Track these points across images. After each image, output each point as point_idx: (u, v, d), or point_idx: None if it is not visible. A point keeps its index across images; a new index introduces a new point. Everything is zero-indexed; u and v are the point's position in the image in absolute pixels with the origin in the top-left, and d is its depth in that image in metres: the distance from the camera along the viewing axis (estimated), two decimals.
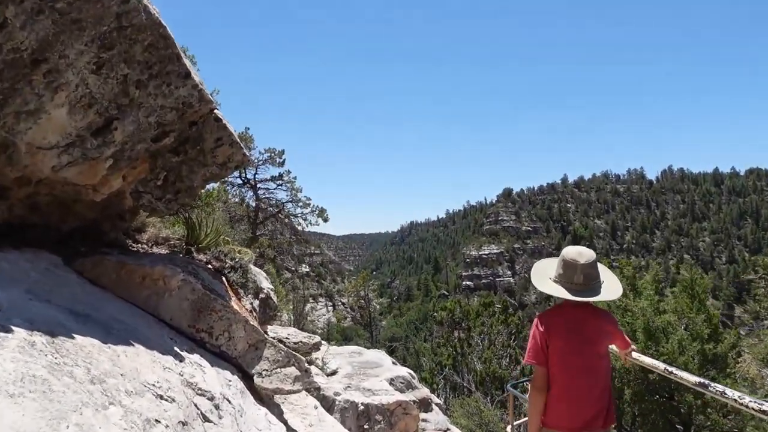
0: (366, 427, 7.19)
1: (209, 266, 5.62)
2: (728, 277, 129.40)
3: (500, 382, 15.23)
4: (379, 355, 10.41)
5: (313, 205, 17.93)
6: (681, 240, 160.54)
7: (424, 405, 8.88)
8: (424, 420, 8.55)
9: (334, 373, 8.98)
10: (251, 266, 8.47)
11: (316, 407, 5.59)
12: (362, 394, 7.80)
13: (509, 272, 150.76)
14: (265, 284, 8.17)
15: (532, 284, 3.90)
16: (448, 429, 8.77)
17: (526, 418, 3.85)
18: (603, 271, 3.32)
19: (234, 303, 4.75)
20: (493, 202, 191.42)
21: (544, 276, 3.36)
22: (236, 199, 17.95)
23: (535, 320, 3.30)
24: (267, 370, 4.17)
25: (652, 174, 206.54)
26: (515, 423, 7.12)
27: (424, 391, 9.14)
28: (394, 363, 10.23)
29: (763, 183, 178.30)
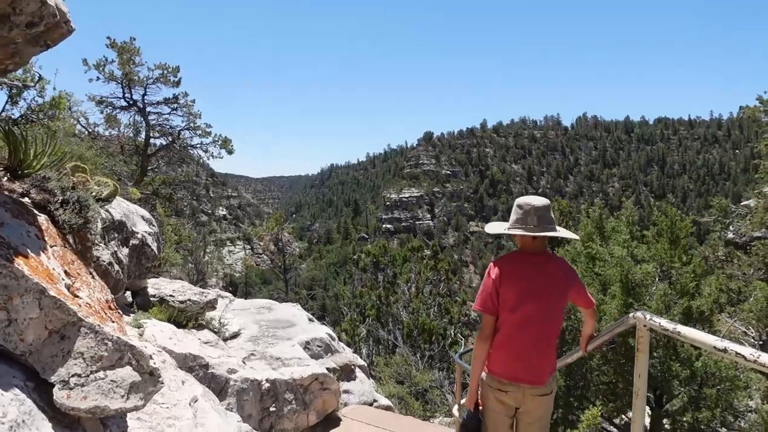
0: (273, 409, 5.57)
1: (25, 199, 3.70)
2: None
3: (429, 334, 13.97)
4: (293, 311, 8.72)
5: (215, 134, 15.46)
6: (592, 185, 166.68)
7: (347, 372, 7.34)
8: (346, 391, 7.03)
9: (235, 335, 7.26)
10: (126, 205, 6.51)
11: (194, 402, 3.88)
12: (269, 366, 6.15)
13: (429, 215, 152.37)
14: (141, 227, 6.23)
15: (486, 232, 3.62)
16: (374, 401, 7.30)
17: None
18: (558, 226, 3.20)
19: (44, 257, 2.90)
20: (414, 145, 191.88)
21: (499, 227, 3.27)
22: (128, 129, 15.34)
23: (489, 266, 3.17)
24: (80, 375, 2.40)
25: (567, 121, 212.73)
26: (462, 402, 5.71)
27: (345, 356, 7.58)
28: (310, 320, 8.59)
29: (670, 132, 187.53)
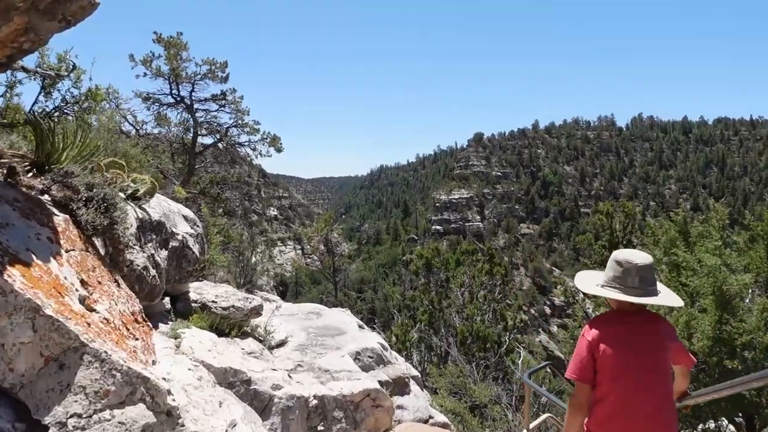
0: (321, 428, 5.07)
1: (45, 196, 3.29)
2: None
3: (484, 341, 13.32)
4: (343, 317, 8.23)
5: (264, 132, 14.96)
6: (648, 187, 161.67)
7: (400, 386, 6.78)
8: (399, 407, 6.47)
9: (282, 344, 6.81)
10: (168, 204, 6.12)
11: (232, 427, 3.39)
12: (317, 379, 5.66)
13: (478, 217, 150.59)
14: (183, 228, 5.83)
15: (579, 291, 3.63)
16: (430, 417, 6.72)
17: (545, 416, 3.64)
18: (658, 283, 2.86)
19: (55, 264, 2.45)
20: (464, 146, 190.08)
21: (592, 282, 2.93)
22: (179, 128, 15.02)
23: (584, 328, 2.87)
24: (80, 415, 1.92)
25: (622, 121, 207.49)
26: (531, 426, 5.11)
27: (399, 368, 7.03)
28: (360, 327, 8.09)
29: (730, 132, 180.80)
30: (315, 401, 5.05)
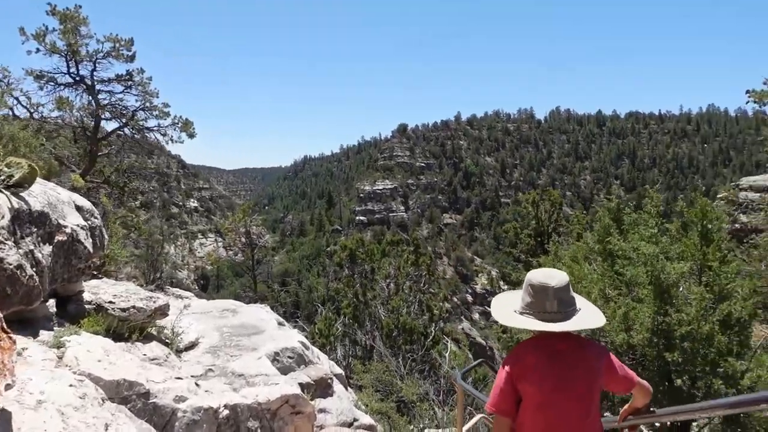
0: None
1: None
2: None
3: (409, 333, 13.03)
4: (260, 314, 7.65)
5: (175, 116, 13.60)
6: (564, 177, 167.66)
7: (323, 388, 6.32)
8: (322, 410, 6.02)
9: (192, 346, 6.20)
10: (56, 193, 5.38)
11: None
12: (229, 386, 5.12)
13: (402, 207, 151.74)
14: (72, 220, 5.11)
15: (495, 320, 2.90)
16: (354, 420, 6.30)
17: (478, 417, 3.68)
18: (578, 298, 2.62)
19: None
20: (388, 137, 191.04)
21: (507, 309, 2.64)
22: (82, 112, 13.42)
23: (504, 359, 2.69)
24: None
25: (540, 114, 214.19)
26: (464, 429, 4.79)
27: (321, 368, 6.55)
28: (280, 324, 7.55)
29: (641, 126, 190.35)
30: (226, 411, 4.51)
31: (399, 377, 10.37)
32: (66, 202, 5.25)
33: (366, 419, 6.53)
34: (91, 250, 5.20)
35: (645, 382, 2.80)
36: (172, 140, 13.71)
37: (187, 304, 7.16)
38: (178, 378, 4.60)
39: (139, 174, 14.33)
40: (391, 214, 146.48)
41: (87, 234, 5.22)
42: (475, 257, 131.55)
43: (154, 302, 5.60)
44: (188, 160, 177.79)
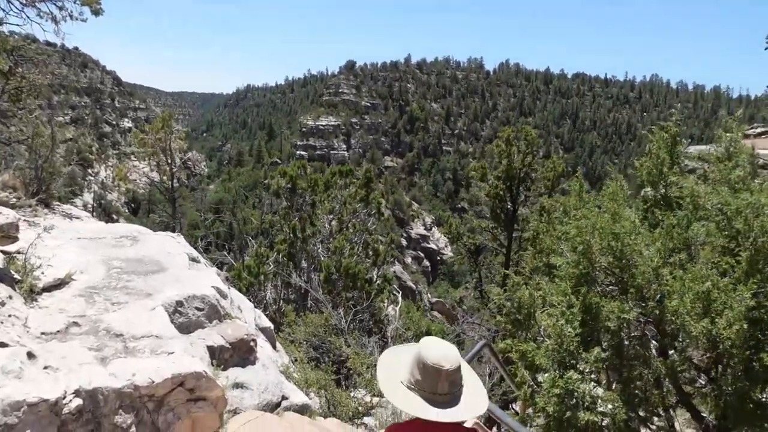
0: None
1: None
2: None
3: (352, 279, 11.39)
4: (168, 245, 5.78)
5: None
6: None
7: (242, 353, 4.60)
8: (239, 386, 4.32)
9: (60, 284, 4.35)
10: None
11: None
12: (96, 352, 3.35)
13: (344, 146, 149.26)
14: None
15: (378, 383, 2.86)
16: (283, 398, 4.65)
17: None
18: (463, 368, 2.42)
19: None
20: (335, 73, 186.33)
21: (394, 377, 2.36)
22: None
23: None
24: None
25: (490, 65, 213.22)
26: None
27: (242, 326, 4.78)
28: (193, 261, 5.70)
29: (586, 88, 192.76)
30: (78, 401, 2.76)
31: (341, 333, 8.72)
32: None
33: (298, 397, 4.89)
34: None
35: None
36: (71, 16, 10.43)
37: (52, 227, 5.13)
38: (0, 344, 2.80)
39: (37, 62, 11.37)
40: (332, 152, 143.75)
41: None
42: (413, 202, 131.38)
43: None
44: (124, 77, 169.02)
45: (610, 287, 5.20)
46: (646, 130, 6.75)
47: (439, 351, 2.30)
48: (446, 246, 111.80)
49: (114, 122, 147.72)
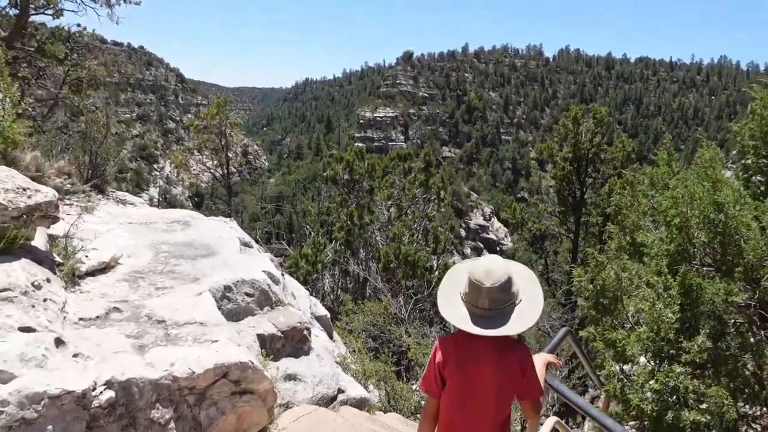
0: None
1: None
2: None
3: (412, 267, 10.99)
4: (220, 230, 5.52)
5: None
6: None
7: (295, 342, 4.27)
8: (291, 378, 4.00)
9: (105, 268, 4.13)
10: None
11: None
12: (135, 340, 3.08)
13: (402, 137, 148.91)
14: None
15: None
16: (339, 392, 4.30)
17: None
18: (524, 284, 2.48)
19: None
20: (392, 65, 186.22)
21: (454, 288, 2.49)
22: None
23: (435, 343, 2.63)
24: None
25: (549, 52, 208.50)
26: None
27: (295, 313, 4.45)
28: (245, 245, 5.43)
29: (650, 72, 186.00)
30: (110, 393, 2.48)
31: (401, 322, 8.34)
32: None
33: (355, 390, 4.53)
34: None
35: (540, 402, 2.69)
36: (107, 3, 10.14)
37: (92, 208, 4.90)
38: (25, 329, 2.53)
39: (90, 48, 11.36)
40: (390, 143, 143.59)
41: None
42: (472, 192, 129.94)
43: (30, 197, 3.47)
44: (188, 74, 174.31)
45: (706, 267, 4.66)
46: (746, 87, 5.99)
47: (484, 268, 2.39)
48: (506, 236, 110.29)
49: (178, 118, 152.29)
